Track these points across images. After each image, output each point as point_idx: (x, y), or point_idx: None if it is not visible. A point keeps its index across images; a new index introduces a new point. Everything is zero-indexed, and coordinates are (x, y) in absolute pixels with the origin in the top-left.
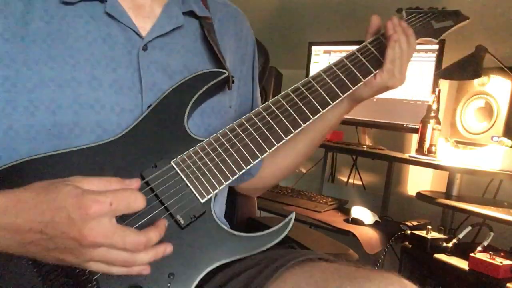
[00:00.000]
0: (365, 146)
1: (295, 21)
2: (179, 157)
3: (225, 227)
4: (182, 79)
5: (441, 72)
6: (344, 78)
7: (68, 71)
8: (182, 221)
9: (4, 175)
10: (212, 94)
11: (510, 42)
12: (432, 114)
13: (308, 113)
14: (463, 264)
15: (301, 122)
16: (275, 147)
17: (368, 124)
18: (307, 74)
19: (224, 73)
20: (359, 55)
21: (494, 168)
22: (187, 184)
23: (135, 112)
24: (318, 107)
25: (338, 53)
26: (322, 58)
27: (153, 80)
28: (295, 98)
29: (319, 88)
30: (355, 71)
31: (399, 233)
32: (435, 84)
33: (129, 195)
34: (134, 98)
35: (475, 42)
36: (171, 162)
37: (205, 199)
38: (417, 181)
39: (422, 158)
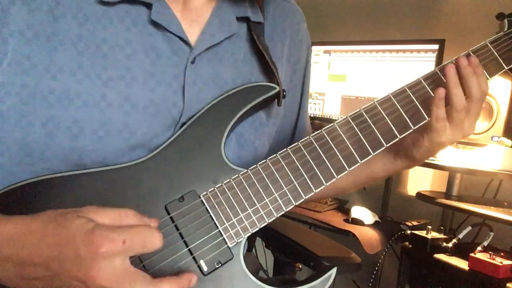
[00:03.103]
0: None
1: None
2: (210, 190)
3: (253, 278)
4: (222, 94)
5: None
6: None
7: (99, 87)
8: (205, 268)
9: (17, 194)
10: (257, 110)
11: None
12: None
13: (369, 148)
14: (463, 264)
15: (358, 159)
16: (323, 187)
17: None
18: None
19: (275, 88)
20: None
21: (494, 168)
22: (216, 225)
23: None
24: (382, 141)
25: (338, 53)
26: (322, 58)
27: (198, 97)
28: (355, 127)
29: (386, 117)
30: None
31: (399, 233)
32: None
33: (145, 232)
34: (172, 121)
35: (475, 42)
36: (201, 196)
37: (234, 243)
38: (417, 181)
39: None
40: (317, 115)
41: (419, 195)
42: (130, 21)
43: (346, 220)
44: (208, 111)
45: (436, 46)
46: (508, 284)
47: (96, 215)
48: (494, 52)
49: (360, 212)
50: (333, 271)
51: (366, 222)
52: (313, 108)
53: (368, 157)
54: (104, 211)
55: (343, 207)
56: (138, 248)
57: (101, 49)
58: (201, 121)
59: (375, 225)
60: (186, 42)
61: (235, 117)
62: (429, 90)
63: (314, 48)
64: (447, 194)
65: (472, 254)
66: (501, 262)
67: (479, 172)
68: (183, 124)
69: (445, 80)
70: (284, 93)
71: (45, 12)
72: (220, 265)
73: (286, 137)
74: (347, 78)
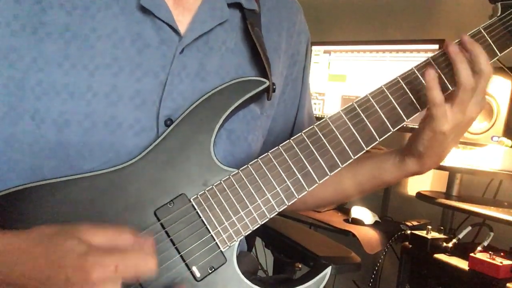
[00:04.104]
0: None
1: None
2: (200, 194)
3: (247, 281)
4: (211, 91)
5: None
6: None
7: (85, 78)
8: (198, 274)
9: (3, 202)
10: (248, 104)
11: None
12: None
13: (362, 143)
14: (463, 264)
15: (351, 154)
16: (316, 185)
17: None
18: None
19: (264, 82)
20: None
21: (494, 168)
22: (208, 229)
23: (155, 131)
24: (375, 134)
25: (338, 53)
26: (322, 58)
27: (177, 89)
28: (348, 122)
29: (379, 110)
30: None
31: (399, 233)
32: None
33: (139, 257)
34: (156, 113)
35: None
36: (191, 200)
37: (227, 247)
38: (417, 181)
39: None
40: (317, 115)
41: (419, 195)
42: (118, 8)
43: (346, 220)
44: (195, 110)
45: (436, 46)
46: (508, 284)
47: (91, 235)
48: (488, 38)
49: (360, 212)
50: (328, 270)
51: (366, 222)
52: (313, 108)
53: (361, 152)
54: (98, 231)
55: (343, 207)
56: (131, 273)
57: (89, 39)
58: (189, 120)
59: (375, 225)
60: (175, 30)
61: (223, 115)
62: (424, 81)
63: (314, 48)
64: (447, 194)
65: (472, 254)
66: (501, 262)
67: (479, 172)
68: (167, 119)
69: (442, 63)
70: (274, 87)
71: (32, 3)
72: (213, 270)
73: (288, 132)
74: (347, 78)
